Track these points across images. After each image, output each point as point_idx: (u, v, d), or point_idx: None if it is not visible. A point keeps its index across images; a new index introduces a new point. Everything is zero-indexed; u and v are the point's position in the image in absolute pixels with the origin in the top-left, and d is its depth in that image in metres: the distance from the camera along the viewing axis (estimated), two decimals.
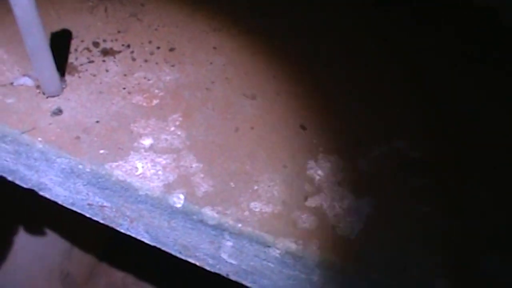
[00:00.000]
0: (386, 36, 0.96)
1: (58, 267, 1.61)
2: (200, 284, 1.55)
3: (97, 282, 1.83)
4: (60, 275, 1.63)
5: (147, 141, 0.72)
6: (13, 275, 1.38)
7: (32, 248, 1.46)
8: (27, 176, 0.75)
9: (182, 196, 0.67)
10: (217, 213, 0.66)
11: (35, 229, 1.46)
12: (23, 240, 1.39)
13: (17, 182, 0.77)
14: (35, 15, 0.66)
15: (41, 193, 0.77)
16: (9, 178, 0.77)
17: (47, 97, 0.75)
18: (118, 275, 1.87)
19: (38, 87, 0.76)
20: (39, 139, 0.70)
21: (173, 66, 0.82)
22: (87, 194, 0.72)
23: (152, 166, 0.69)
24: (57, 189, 0.75)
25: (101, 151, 0.70)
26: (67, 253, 1.65)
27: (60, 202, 0.77)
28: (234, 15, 0.92)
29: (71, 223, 1.43)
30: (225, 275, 0.74)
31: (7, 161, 0.74)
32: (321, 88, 0.83)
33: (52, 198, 0.77)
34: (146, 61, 0.82)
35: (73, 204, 0.76)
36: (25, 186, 0.77)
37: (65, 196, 0.75)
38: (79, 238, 1.68)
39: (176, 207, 0.67)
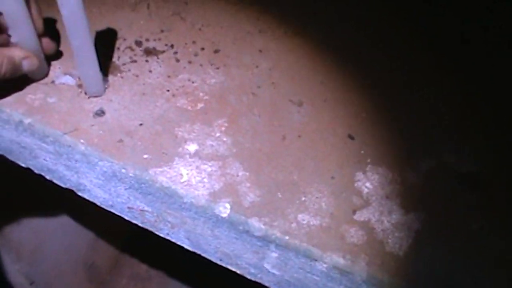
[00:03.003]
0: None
1: (83, 258, 1.62)
2: (223, 276, 1.53)
3: (121, 272, 1.83)
4: (85, 265, 1.64)
5: (192, 147, 0.70)
6: (40, 265, 1.38)
7: (58, 239, 1.46)
8: (66, 176, 0.74)
9: (228, 206, 0.65)
10: (263, 224, 0.65)
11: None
12: (50, 231, 1.39)
13: (55, 181, 0.76)
14: (82, 15, 0.64)
15: (79, 193, 0.76)
16: (47, 177, 0.76)
17: (89, 98, 0.74)
18: (142, 267, 1.86)
19: (80, 86, 0.75)
20: (82, 141, 0.69)
21: (218, 68, 0.80)
22: (128, 198, 0.71)
23: (197, 173, 0.68)
24: (96, 190, 0.74)
25: (145, 156, 0.68)
26: (92, 244, 1.66)
27: (98, 204, 0.76)
28: (280, 16, 0.90)
29: (96, 215, 1.44)
30: (266, 285, 0.72)
31: (46, 160, 0.73)
32: (369, 95, 0.80)
33: (91, 199, 0.76)
34: (190, 62, 0.80)
35: (112, 206, 0.75)
36: (63, 186, 0.76)
37: (104, 198, 0.74)
38: (103, 229, 1.68)
39: (221, 217, 0.65)
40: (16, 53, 0.70)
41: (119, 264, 1.83)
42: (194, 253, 0.73)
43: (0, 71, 0.68)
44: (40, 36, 0.73)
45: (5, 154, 0.76)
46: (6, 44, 0.70)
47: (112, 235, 1.77)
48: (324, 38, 0.89)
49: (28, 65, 0.72)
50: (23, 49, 0.70)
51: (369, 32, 0.93)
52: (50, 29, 0.77)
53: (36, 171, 0.76)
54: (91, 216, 1.52)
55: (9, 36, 0.70)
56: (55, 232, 1.46)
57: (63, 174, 0.74)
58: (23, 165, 0.76)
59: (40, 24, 0.72)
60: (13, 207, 1.29)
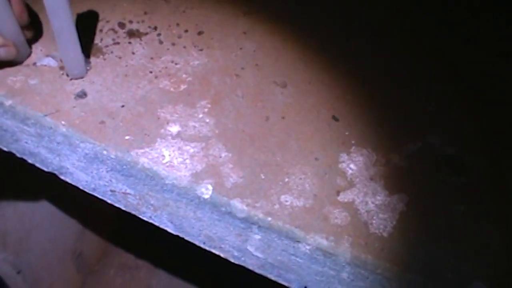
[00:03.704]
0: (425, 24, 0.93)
1: (70, 247, 1.61)
2: (214, 264, 1.53)
3: (109, 262, 1.83)
4: (72, 255, 1.63)
5: (174, 128, 0.69)
6: (26, 254, 1.38)
7: (45, 228, 1.45)
8: (48, 159, 0.73)
9: (210, 187, 0.65)
10: (246, 205, 0.64)
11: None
12: (37, 220, 1.39)
13: (37, 165, 0.75)
14: None
15: (62, 177, 0.75)
16: (30, 161, 0.75)
17: (70, 79, 0.73)
18: (130, 256, 1.86)
19: (61, 68, 0.74)
20: (63, 122, 0.68)
21: (201, 50, 0.79)
22: (110, 180, 0.70)
23: (179, 154, 0.67)
24: (79, 174, 0.73)
25: (127, 137, 0.67)
26: (79, 233, 1.65)
27: (81, 187, 0.75)
28: None
29: (83, 204, 1.43)
30: (250, 268, 0.71)
31: (27, 143, 0.72)
32: (355, 78, 0.80)
33: (73, 183, 0.75)
34: (173, 44, 0.79)
35: (94, 189, 0.74)
36: (45, 169, 0.75)
37: (86, 181, 0.73)
38: (91, 218, 1.67)
39: (204, 198, 0.65)
40: None
41: (106, 253, 1.82)
42: (180, 241, 0.73)
43: None
44: (23, 27, 0.72)
45: None
46: None
47: (100, 225, 1.76)
48: (311, 21, 0.89)
49: (5, 53, 0.71)
50: (1, 37, 0.69)
51: (358, 18, 0.92)
52: (31, 11, 0.76)
53: (18, 155, 0.75)
54: (78, 205, 1.52)
55: None
56: (42, 222, 1.46)
57: (45, 157, 0.73)
58: (5, 149, 0.75)
59: (24, 18, 0.71)
60: None
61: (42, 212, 1.46)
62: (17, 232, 1.34)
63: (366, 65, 0.83)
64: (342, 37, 0.86)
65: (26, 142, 0.72)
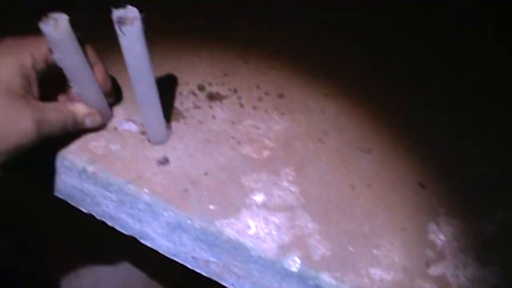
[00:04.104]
0: None
1: None
2: None
3: None
4: None
5: (259, 197, 0.68)
6: None
7: (113, 279, 1.46)
8: (129, 224, 0.73)
9: (298, 260, 0.63)
10: (335, 279, 0.62)
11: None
12: (105, 271, 1.39)
13: (117, 228, 0.75)
14: (148, 65, 0.63)
15: (142, 241, 0.75)
16: (109, 224, 0.75)
17: (152, 145, 0.72)
18: None
19: (142, 133, 0.74)
20: (146, 190, 0.68)
21: (283, 114, 0.78)
22: (193, 248, 0.69)
23: (265, 225, 0.66)
24: (160, 240, 0.72)
25: (211, 207, 0.66)
26: (145, 285, 1.65)
27: (161, 252, 0.75)
28: (346, 60, 0.88)
29: (150, 256, 1.43)
30: None
31: (108, 207, 0.72)
32: (440, 143, 0.77)
33: (154, 248, 0.75)
34: (254, 108, 0.79)
35: (175, 255, 0.73)
36: (125, 233, 0.75)
37: (168, 247, 0.73)
38: (157, 270, 1.68)
39: (291, 271, 0.63)
40: (79, 110, 0.70)
41: None
42: None
43: (64, 126, 0.68)
44: (106, 94, 0.72)
45: (66, 199, 0.76)
46: (71, 98, 0.70)
47: (166, 276, 1.76)
48: (393, 85, 0.87)
49: (91, 122, 0.71)
50: (87, 106, 0.70)
51: (441, 84, 0.90)
52: (112, 77, 0.76)
53: (98, 217, 0.75)
54: (145, 256, 1.52)
55: (71, 87, 0.69)
56: (110, 273, 1.47)
57: (125, 222, 0.72)
58: (84, 211, 0.75)
59: (108, 86, 0.71)
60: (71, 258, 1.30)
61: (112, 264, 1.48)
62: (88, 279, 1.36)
63: (454, 130, 0.80)
64: (426, 100, 0.84)
65: (106, 207, 0.72)
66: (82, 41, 0.65)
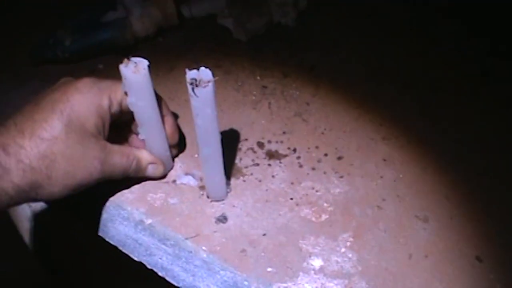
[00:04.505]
0: None
1: None
2: None
3: None
4: None
5: (317, 262, 0.68)
6: None
7: None
8: (181, 276, 0.73)
9: None
10: None
11: None
12: None
13: (168, 279, 0.75)
14: (216, 125, 0.64)
15: None
16: (160, 274, 0.75)
17: (211, 201, 0.73)
18: None
19: (201, 188, 0.74)
20: (203, 248, 0.68)
21: (341, 177, 0.78)
22: None
23: None
24: None
25: (269, 269, 0.67)
26: None
27: None
28: (403, 122, 0.88)
29: None
30: None
31: (161, 259, 0.72)
32: (498, 215, 0.77)
33: None
34: (313, 169, 0.79)
35: None
36: (176, 284, 0.74)
37: None
38: None
39: None
40: (144, 157, 0.71)
41: None
42: None
43: (127, 170, 0.69)
44: (171, 146, 0.73)
45: (118, 246, 0.76)
46: (133, 146, 0.71)
47: None
48: (451, 150, 0.86)
49: (153, 170, 0.72)
50: (152, 154, 0.71)
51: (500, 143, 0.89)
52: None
53: (149, 267, 0.75)
54: None
55: (137, 134, 0.70)
56: None
57: (177, 274, 0.73)
58: (135, 258, 0.75)
59: (175, 138, 0.72)
60: None
61: None
62: None
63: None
64: (483, 167, 0.83)
65: (160, 258, 0.72)
66: (156, 92, 0.66)
